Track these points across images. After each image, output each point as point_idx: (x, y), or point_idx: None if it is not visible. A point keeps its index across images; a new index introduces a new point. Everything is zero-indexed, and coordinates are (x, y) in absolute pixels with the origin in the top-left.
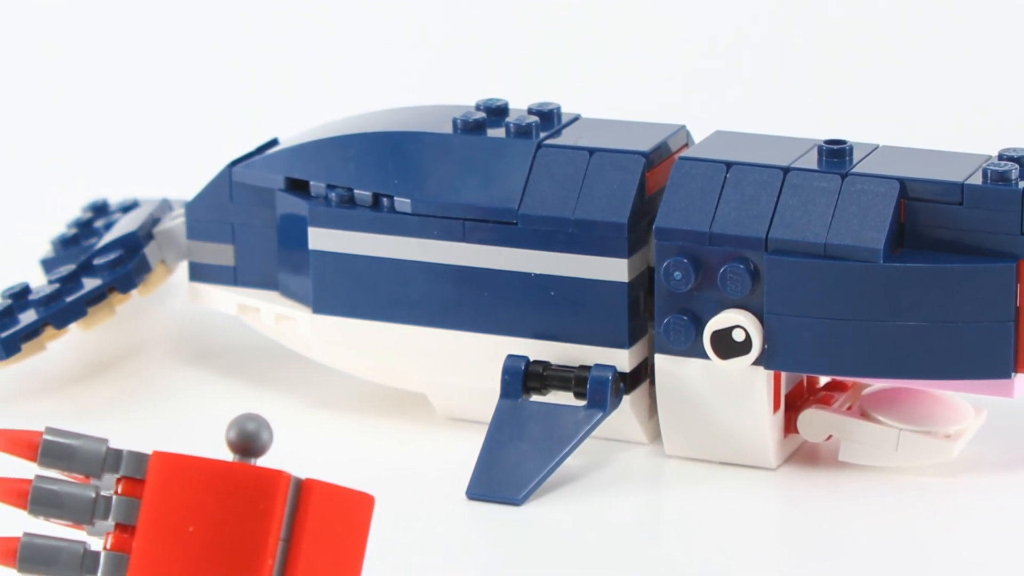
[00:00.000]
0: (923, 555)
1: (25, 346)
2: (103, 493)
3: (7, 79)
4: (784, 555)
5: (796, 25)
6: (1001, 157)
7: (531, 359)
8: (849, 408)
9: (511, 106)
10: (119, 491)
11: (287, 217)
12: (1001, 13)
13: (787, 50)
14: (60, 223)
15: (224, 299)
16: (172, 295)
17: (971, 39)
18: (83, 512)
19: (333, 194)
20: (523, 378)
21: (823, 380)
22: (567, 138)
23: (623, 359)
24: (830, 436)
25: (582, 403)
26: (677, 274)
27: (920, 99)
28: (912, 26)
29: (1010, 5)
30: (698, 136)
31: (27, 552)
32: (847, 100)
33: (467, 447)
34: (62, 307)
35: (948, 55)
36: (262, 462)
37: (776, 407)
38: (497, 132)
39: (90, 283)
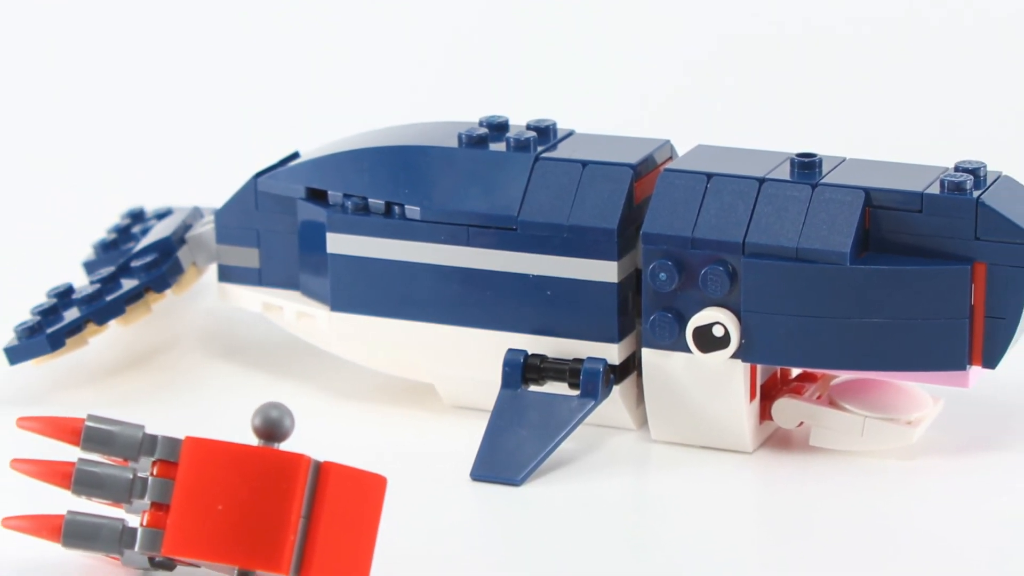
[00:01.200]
0: (885, 531)
1: (69, 341)
2: (140, 475)
3: (57, 102)
4: (759, 531)
5: (771, 49)
6: (957, 169)
7: (529, 353)
8: (819, 397)
9: (511, 122)
10: (154, 473)
11: (307, 223)
12: (956, 39)
13: (762, 72)
14: (100, 229)
15: (250, 298)
16: (203, 294)
17: (930, 62)
18: (122, 492)
19: (349, 202)
20: (522, 370)
21: (795, 372)
22: (562, 152)
23: (613, 353)
24: (801, 423)
25: (576, 393)
26: (662, 275)
27: (883, 116)
28: (877, 50)
29: (963, 32)
30: (681, 150)
31: (71, 528)
32: (817, 117)
33: (471, 433)
34: (102, 305)
35: (909, 77)
36: (284, 446)
37: (752, 396)
38: (498, 146)
39: (128, 283)
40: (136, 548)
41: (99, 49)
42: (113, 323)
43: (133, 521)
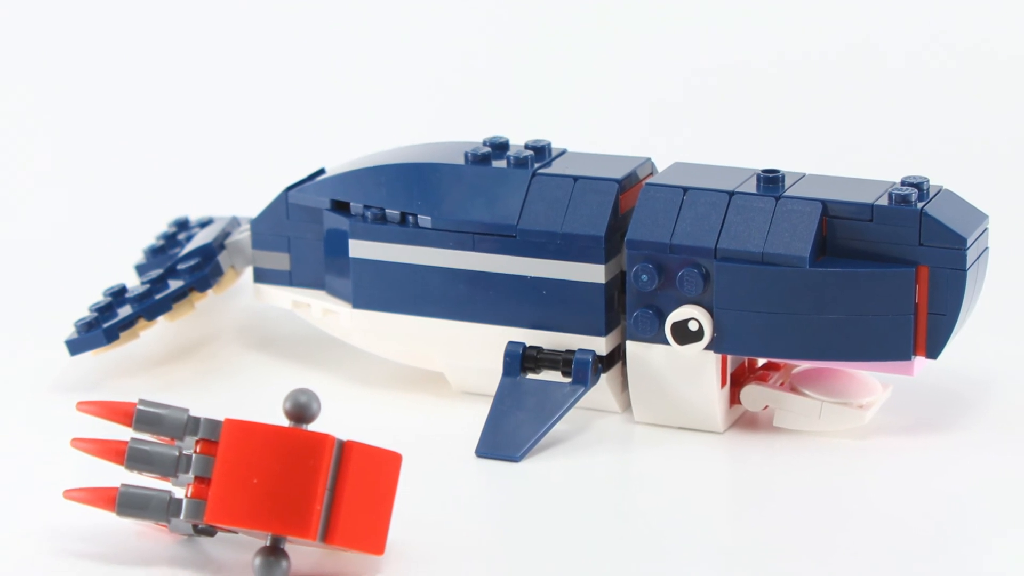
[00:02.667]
0: (840, 502)
1: (122, 334)
2: (185, 452)
3: (115, 129)
4: (729, 502)
5: (739, 79)
6: (903, 183)
7: (527, 345)
8: (781, 384)
9: (511, 142)
10: (197, 450)
11: (332, 231)
12: (903, 71)
13: (732, 98)
14: (150, 236)
15: (281, 297)
16: (240, 294)
17: (880, 91)
18: (169, 467)
19: (369, 213)
20: (521, 360)
21: (761, 361)
22: (556, 168)
23: (601, 345)
24: (766, 406)
25: (568, 380)
26: (644, 277)
27: (839, 136)
28: (834, 79)
29: (910, 64)
30: (661, 166)
31: (124, 499)
32: (780, 137)
33: (476, 415)
34: (152, 303)
35: (862, 103)
36: (312, 427)
37: (723, 383)
38: (500, 163)
39: (174, 284)
40: (181, 516)
41: (154, 83)
42: (161, 319)
43: (179, 493)
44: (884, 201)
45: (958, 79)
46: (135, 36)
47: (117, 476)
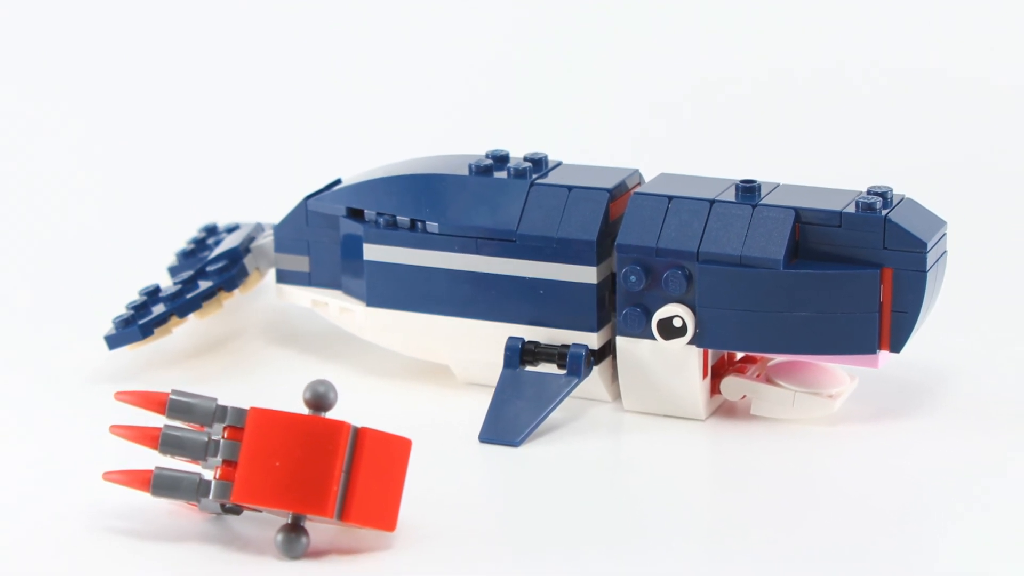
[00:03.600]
0: (811, 482)
1: (156, 330)
2: (213, 438)
3: (150, 141)
4: (710, 482)
5: (720, 97)
6: (869, 192)
7: (526, 340)
8: (758, 376)
9: (511, 155)
10: (225, 436)
11: (348, 236)
12: (871, 90)
13: (714, 114)
14: (181, 241)
15: (302, 296)
16: (264, 293)
17: (849, 108)
18: (199, 451)
19: (381, 219)
20: (520, 353)
21: (739, 355)
22: (552, 178)
23: (593, 340)
24: (744, 396)
25: (563, 372)
26: (632, 278)
27: (811, 149)
28: (805, 97)
29: (877, 83)
30: (648, 176)
31: (158, 481)
32: (757, 150)
33: (479, 404)
34: (183, 302)
35: (832, 119)
36: (330, 415)
37: (704, 375)
38: (501, 174)
39: (204, 284)
40: (210, 496)
41: (188, 105)
42: (192, 316)
43: (208, 475)
44: (851, 209)
45: (920, 100)
46: (178, 64)
47: (151, 460)
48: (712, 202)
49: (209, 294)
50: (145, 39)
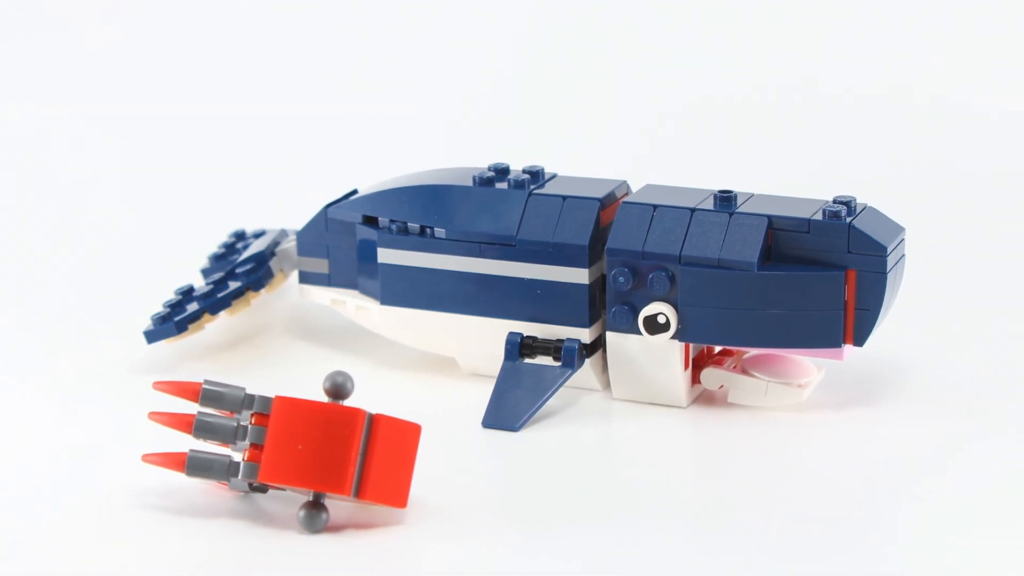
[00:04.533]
0: (783, 463)
1: (190, 326)
2: (242, 423)
3: (187, 155)
4: (692, 464)
5: (700, 114)
6: (835, 201)
7: (524, 335)
8: (735, 367)
9: (511, 168)
10: (252, 422)
11: (364, 241)
12: (838, 107)
13: (694, 130)
14: (213, 245)
15: (322, 295)
16: (288, 293)
17: (817, 124)
18: (229, 436)
19: (394, 226)
20: (519, 347)
21: (717, 348)
22: (548, 189)
23: (585, 335)
24: (722, 386)
25: (558, 364)
26: (621, 279)
27: (782, 162)
28: (778, 113)
29: (844, 101)
30: (635, 187)
31: (192, 462)
32: (734, 163)
33: (482, 393)
34: (215, 300)
35: (802, 134)
36: (347, 403)
37: (686, 366)
38: (502, 185)
39: (233, 285)
40: (239, 477)
41: (219, 123)
42: (222, 313)
43: (237, 457)
44: (819, 216)
45: (881, 118)
46: (217, 94)
47: (186, 443)
48: (693, 210)
49: (238, 293)
50: (191, 70)
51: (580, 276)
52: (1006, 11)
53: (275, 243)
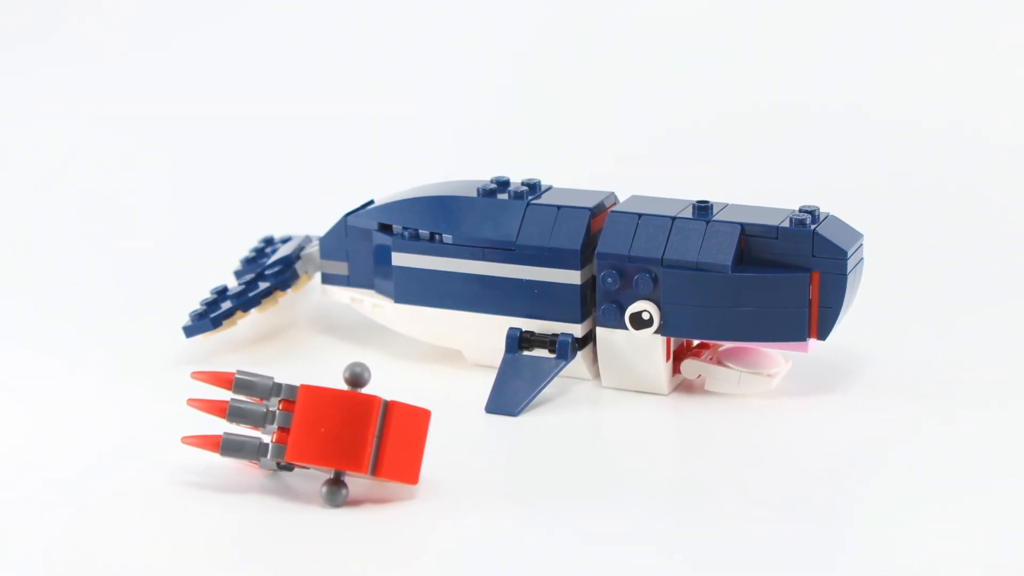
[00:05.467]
0: (754, 444)
1: (224, 322)
2: (271, 409)
3: (224, 168)
4: (672, 445)
5: (679, 133)
6: (800, 211)
7: (523, 330)
8: (711, 359)
9: (511, 180)
10: (280, 408)
11: (379, 246)
12: (804, 126)
13: (675, 147)
14: (245, 250)
15: (342, 294)
16: (311, 292)
17: (783, 142)
18: (259, 420)
19: (406, 232)
20: (518, 341)
21: (695, 342)
22: (544, 199)
23: (577, 330)
24: (700, 375)
25: (553, 356)
26: (609, 280)
27: (754, 175)
28: (749, 131)
29: (809, 119)
30: (622, 198)
31: (226, 443)
32: (710, 176)
33: (485, 382)
34: (246, 299)
35: (772, 150)
36: (365, 391)
37: (668, 358)
38: (503, 196)
39: (263, 285)
40: (268, 457)
41: (251, 137)
42: (253, 311)
43: (266, 439)
44: (786, 224)
45: (842, 135)
46: (250, 114)
47: (221, 427)
48: (674, 219)
49: (267, 293)
50: (233, 99)
51: (573, 277)
52: (954, 33)
53: (300, 248)
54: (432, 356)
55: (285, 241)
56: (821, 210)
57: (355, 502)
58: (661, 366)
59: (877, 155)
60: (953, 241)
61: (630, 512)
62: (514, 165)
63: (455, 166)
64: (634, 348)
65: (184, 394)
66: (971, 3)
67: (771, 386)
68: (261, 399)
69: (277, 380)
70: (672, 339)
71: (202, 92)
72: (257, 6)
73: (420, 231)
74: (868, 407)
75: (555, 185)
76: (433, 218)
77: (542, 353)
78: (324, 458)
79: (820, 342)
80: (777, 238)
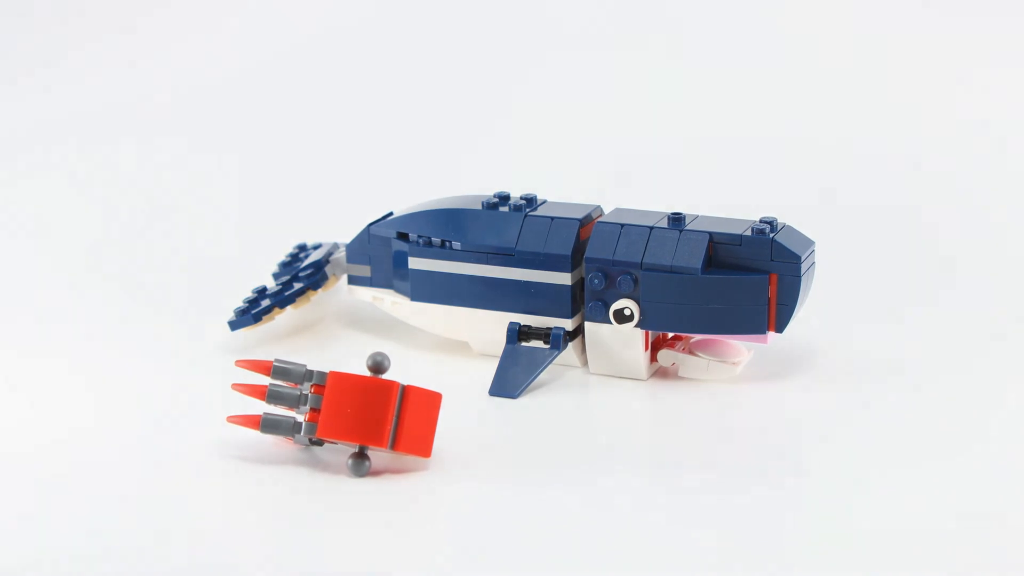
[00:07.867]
0: (722, 424)
1: (264, 318)
2: (304, 392)
3: (263, 183)
4: (650, 424)
5: (656, 153)
6: (761, 221)
7: (522, 324)
8: (683, 349)
9: (512, 195)
10: (312, 391)
11: (398, 252)
12: (765, 145)
13: (652, 166)
14: (282, 255)
15: (365, 294)
16: (339, 292)
17: (744, 161)
18: (294, 402)
19: (421, 240)
20: (517, 334)
21: (670, 334)
22: (540, 211)
23: (568, 324)
24: (674, 363)
25: (548, 346)
26: (596, 281)
27: (721, 190)
28: (715, 151)
29: (768, 139)
30: (607, 210)
31: (266, 422)
32: (683, 191)
33: (489, 369)
34: (283, 297)
35: (734, 168)
36: (385, 376)
37: (646, 348)
38: (504, 208)
39: (297, 285)
40: (302, 433)
41: (289, 155)
42: (289, 308)
43: (300, 419)
44: (748, 232)
45: (796, 157)
46: (286, 131)
47: (261, 408)
48: (651, 228)
49: (301, 292)
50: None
51: (564, 279)
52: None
53: (329, 253)
54: (443, 347)
55: (316, 247)
56: (779, 220)
57: (377, 472)
58: (640, 355)
59: (826, 174)
60: (892, 248)
61: (613, 480)
62: (514, 181)
63: (463, 182)
64: (617, 340)
65: (229, 379)
66: (901, 29)
67: (735, 373)
68: (296, 384)
69: (309, 367)
70: (650, 332)
71: (259, 126)
72: (311, 38)
73: (433, 239)
74: (819, 390)
75: (549, 199)
76: (444, 227)
77: (538, 344)
78: (350, 435)
79: (778, 335)
80: (741, 245)
